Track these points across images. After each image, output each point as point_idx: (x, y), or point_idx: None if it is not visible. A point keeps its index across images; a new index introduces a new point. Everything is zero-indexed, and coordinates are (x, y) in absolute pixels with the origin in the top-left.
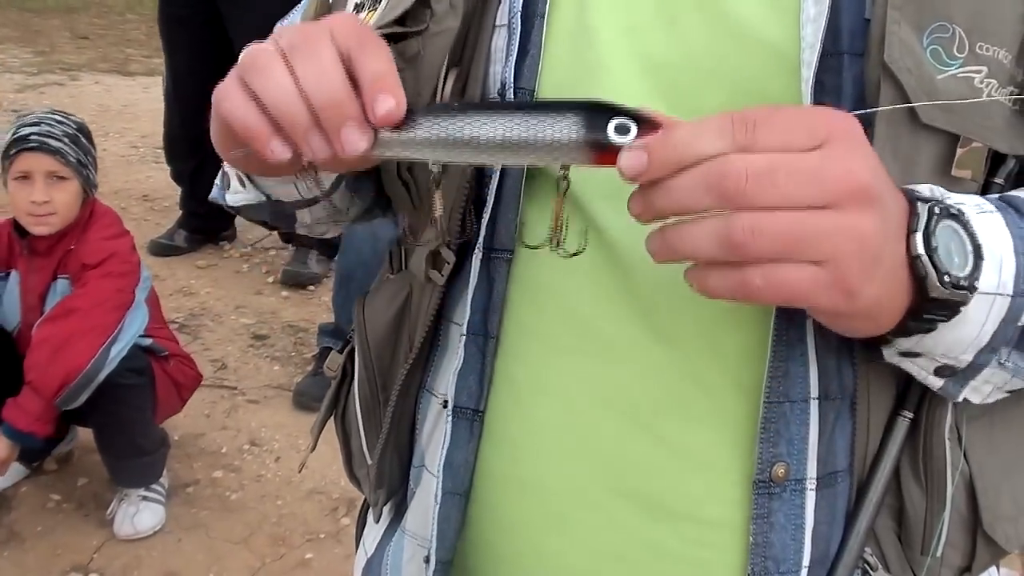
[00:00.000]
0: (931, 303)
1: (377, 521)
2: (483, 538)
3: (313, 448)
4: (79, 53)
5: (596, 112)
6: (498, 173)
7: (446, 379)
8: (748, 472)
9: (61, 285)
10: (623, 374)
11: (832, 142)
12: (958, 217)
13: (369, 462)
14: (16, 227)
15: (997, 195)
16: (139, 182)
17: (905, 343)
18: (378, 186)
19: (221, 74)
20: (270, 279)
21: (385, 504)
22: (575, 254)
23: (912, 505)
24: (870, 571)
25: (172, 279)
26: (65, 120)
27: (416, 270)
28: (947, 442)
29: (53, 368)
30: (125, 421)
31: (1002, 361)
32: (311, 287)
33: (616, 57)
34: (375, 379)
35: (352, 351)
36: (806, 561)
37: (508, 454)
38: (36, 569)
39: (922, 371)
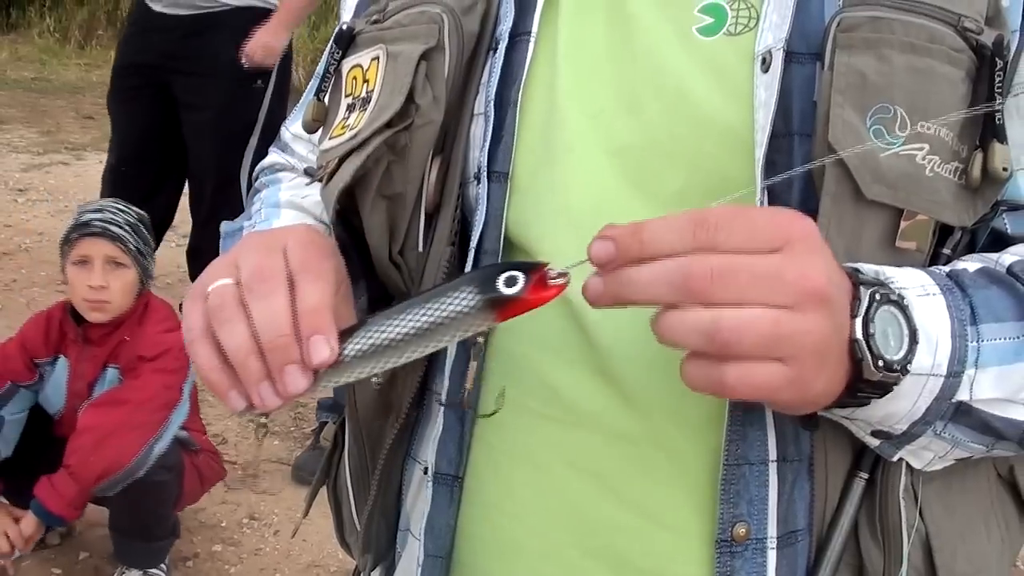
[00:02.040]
0: (864, 383)
1: None
2: None
3: (305, 515)
4: (84, 132)
5: (485, 276)
6: (472, 249)
7: (428, 446)
8: (711, 532)
9: (111, 375)
10: (591, 440)
11: (791, 245)
12: (898, 303)
13: (358, 528)
14: (71, 313)
15: (946, 268)
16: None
17: (840, 412)
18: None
19: (166, 157)
20: None
21: (374, 569)
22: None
23: (870, 563)
24: None
25: None
26: (127, 209)
27: None
28: (902, 502)
29: (96, 458)
30: (146, 511)
31: (938, 432)
32: None
33: (583, 140)
34: (364, 448)
35: (343, 422)
36: None
37: (486, 517)
38: None
39: (860, 431)
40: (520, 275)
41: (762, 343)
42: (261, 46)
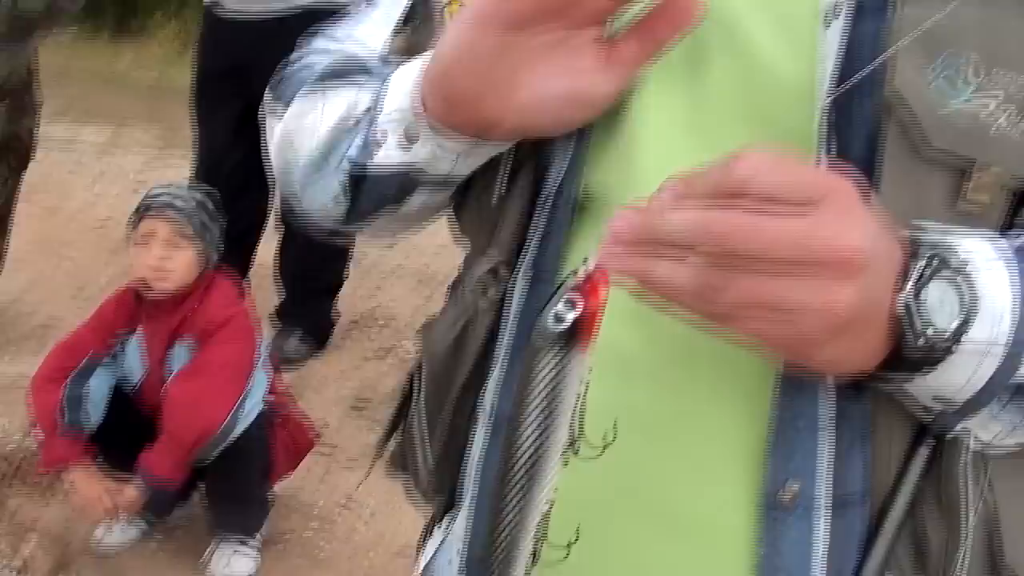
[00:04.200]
0: (904, 360)
1: (438, 530)
2: None
3: (375, 460)
4: None
5: (538, 335)
6: (550, 201)
7: (491, 389)
8: (760, 490)
9: (181, 348)
10: (642, 395)
11: (825, 204)
12: (960, 270)
13: (428, 473)
14: (140, 291)
15: (1018, 242)
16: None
17: (884, 387)
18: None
19: (248, 167)
20: (371, 351)
21: (443, 516)
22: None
23: (931, 537)
24: None
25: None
26: (193, 189)
27: (473, 294)
28: (968, 475)
29: (190, 423)
30: (238, 474)
31: (996, 413)
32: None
33: (651, 94)
34: (435, 396)
35: (415, 373)
36: None
37: None
38: None
39: (910, 403)
40: (558, 304)
41: (754, 306)
42: None
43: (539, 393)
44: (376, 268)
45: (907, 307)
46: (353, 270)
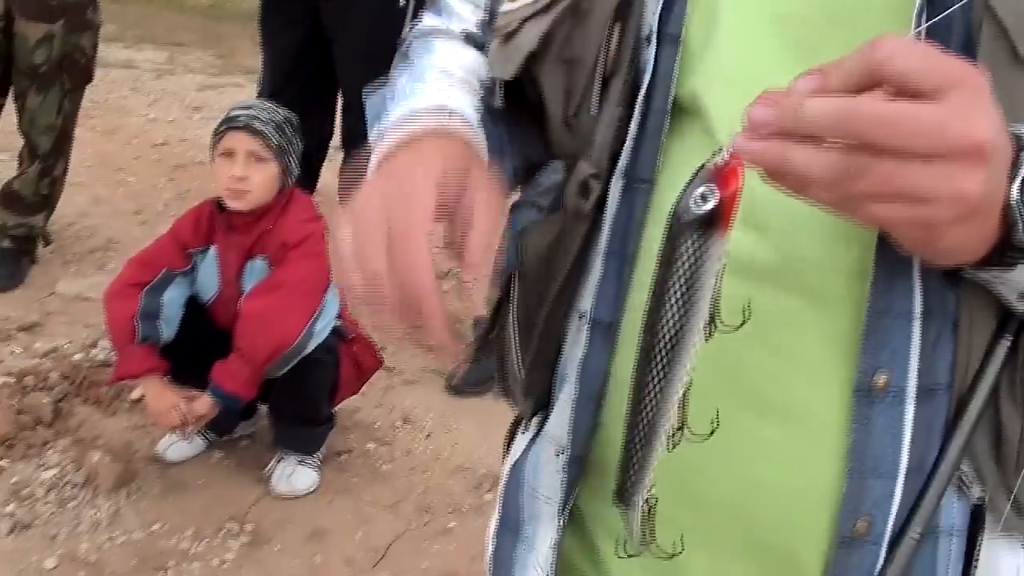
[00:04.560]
0: (1014, 247)
1: (524, 432)
2: (611, 438)
3: (471, 358)
4: (257, 58)
5: (681, 215)
6: (643, 108)
7: (588, 294)
8: (852, 378)
9: (258, 264)
10: (740, 287)
11: (957, 92)
12: None
13: (520, 377)
14: (219, 206)
15: None
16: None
17: (982, 274)
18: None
19: (315, 89)
20: None
21: (533, 416)
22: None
23: (1008, 427)
24: (965, 485)
25: None
26: (275, 109)
27: (568, 203)
28: None
29: (264, 339)
30: (306, 393)
31: None
32: None
33: (747, 6)
34: (530, 302)
35: (508, 281)
36: (903, 468)
37: None
38: (197, 515)
39: (1006, 294)
40: (697, 189)
41: (889, 192)
42: None
43: (680, 275)
44: None
45: (1020, 197)
46: None
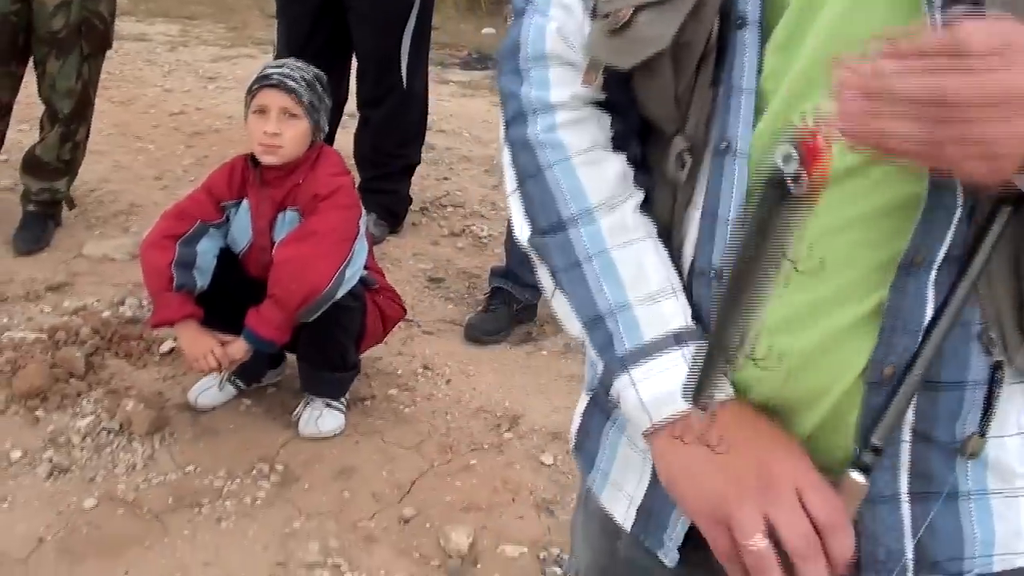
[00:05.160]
0: None
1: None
2: None
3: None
4: (268, 30)
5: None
6: (734, 83)
7: (691, 247)
8: (898, 260)
9: (290, 216)
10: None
11: (1018, 54)
12: None
13: None
14: (252, 161)
15: None
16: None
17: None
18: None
19: (330, 55)
20: (445, 232)
21: None
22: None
23: None
24: (991, 350)
25: None
26: (306, 68)
27: (673, 165)
28: None
29: (296, 285)
30: (334, 338)
31: None
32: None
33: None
34: None
35: None
36: (925, 322)
37: None
38: (229, 458)
39: None
40: (788, 148)
41: (983, 153)
42: None
43: (765, 229)
44: (444, 158)
45: None
46: (424, 157)
